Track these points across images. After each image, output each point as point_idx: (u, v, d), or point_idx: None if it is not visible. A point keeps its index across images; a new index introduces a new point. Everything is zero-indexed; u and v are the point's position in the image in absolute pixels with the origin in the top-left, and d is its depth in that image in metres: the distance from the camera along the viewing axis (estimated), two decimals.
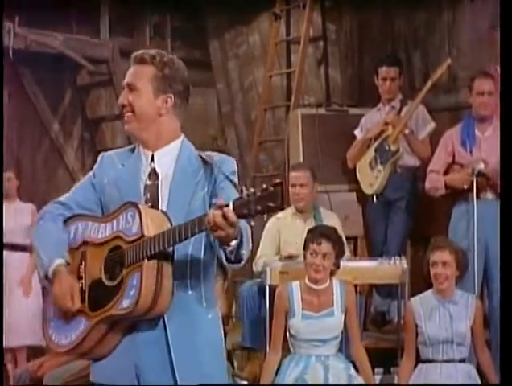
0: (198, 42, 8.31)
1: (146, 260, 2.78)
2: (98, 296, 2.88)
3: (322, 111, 6.90)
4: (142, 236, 2.80)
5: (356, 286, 5.33)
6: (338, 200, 6.54)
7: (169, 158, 2.98)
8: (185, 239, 2.75)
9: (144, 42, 8.07)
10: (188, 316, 2.88)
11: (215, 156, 2.98)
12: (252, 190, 2.59)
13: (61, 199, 3.08)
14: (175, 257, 2.85)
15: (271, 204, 2.55)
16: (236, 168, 2.99)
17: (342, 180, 6.65)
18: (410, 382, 4.95)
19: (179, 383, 2.85)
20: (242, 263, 2.82)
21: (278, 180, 2.60)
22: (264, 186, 2.58)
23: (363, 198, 6.53)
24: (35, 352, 6.43)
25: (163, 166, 2.97)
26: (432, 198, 5.88)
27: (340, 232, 5.39)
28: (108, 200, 2.99)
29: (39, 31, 7.33)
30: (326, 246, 4.88)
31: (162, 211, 2.89)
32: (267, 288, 5.39)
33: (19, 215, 6.88)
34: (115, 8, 7.78)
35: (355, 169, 6.45)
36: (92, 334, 2.87)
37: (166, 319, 2.86)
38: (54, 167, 7.88)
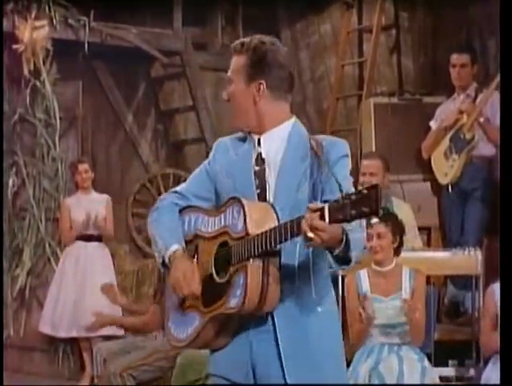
0: (269, 32, 8.23)
1: (250, 260, 2.69)
2: (210, 292, 2.81)
3: (395, 100, 6.85)
4: (247, 234, 2.71)
5: (429, 277, 5.28)
6: (411, 190, 6.47)
7: (277, 141, 2.86)
8: (289, 239, 2.63)
9: (216, 32, 8.10)
10: (296, 308, 2.78)
11: (324, 140, 2.84)
12: (350, 191, 2.47)
13: (178, 188, 3.00)
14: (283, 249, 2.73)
15: (366, 209, 2.39)
16: (347, 151, 2.85)
17: (415, 170, 6.59)
18: (488, 368, 4.85)
19: (286, 377, 2.77)
20: (352, 264, 2.68)
21: (374, 183, 2.52)
22: (359, 188, 2.46)
23: (438, 188, 6.46)
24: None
25: (270, 151, 2.86)
26: None
27: (413, 221, 5.33)
28: (221, 189, 2.90)
29: (114, 25, 7.43)
30: (378, 226, 4.88)
31: (269, 203, 2.78)
32: (340, 278, 5.38)
33: (94, 206, 7.00)
34: None
35: (429, 158, 6.38)
36: (206, 330, 2.81)
37: (274, 313, 2.77)
38: (128, 159, 7.97)
